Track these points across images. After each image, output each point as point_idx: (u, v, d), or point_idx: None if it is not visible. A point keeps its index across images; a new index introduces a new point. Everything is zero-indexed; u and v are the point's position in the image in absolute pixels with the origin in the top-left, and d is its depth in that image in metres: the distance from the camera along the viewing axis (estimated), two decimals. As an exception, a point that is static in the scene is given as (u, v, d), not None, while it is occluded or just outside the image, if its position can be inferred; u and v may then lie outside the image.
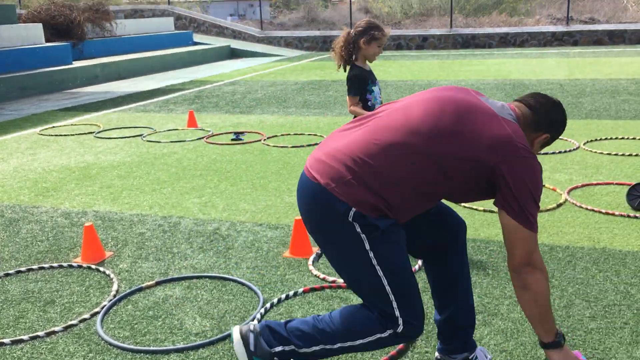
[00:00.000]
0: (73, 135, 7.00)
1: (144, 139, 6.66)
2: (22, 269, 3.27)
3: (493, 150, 1.78)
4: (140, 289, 3.00)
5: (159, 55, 14.67)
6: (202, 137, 6.64)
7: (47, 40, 12.80)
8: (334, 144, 1.93)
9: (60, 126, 7.62)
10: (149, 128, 7.27)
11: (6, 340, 2.54)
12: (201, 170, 5.29)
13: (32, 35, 12.26)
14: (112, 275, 3.15)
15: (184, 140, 6.50)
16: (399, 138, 1.82)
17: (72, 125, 7.70)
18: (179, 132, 7.02)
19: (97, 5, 15.47)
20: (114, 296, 2.93)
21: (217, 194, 4.59)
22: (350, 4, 23.03)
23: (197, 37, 19.16)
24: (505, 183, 1.78)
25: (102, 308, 2.80)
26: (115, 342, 2.51)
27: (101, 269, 3.24)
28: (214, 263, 3.31)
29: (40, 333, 2.59)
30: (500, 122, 1.83)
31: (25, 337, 2.56)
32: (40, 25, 12.62)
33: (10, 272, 3.24)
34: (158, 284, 3.06)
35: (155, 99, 9.79)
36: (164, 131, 7.07)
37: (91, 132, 7.10)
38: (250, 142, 6.33)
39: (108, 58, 13.70)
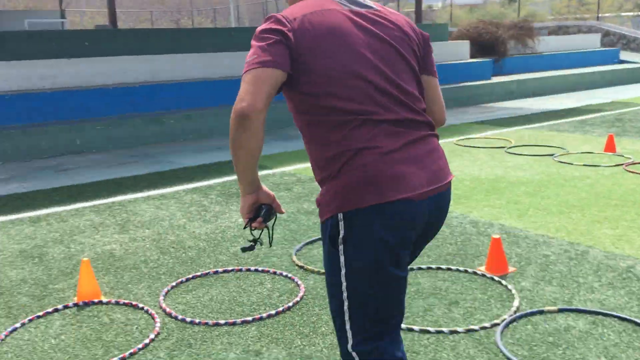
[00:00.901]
0: (485, 147, 7.30)
1: (555, 158, 6.49)
2: (433, 266, 3.57)
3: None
4: (541, 312, 2.95)
5: (577, 74, 14.09)
6: (621, 164, 6.11)
7: (471, 57, 13.62)
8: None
9: (474, 138, 8.03)
10: (561, 148, 7.06)
11: (415, 328, 2.81)
12: (617, 199, 4.89)
13: (460, 51, 13.22)
14: (513, 291, 3.17)
15: (599, 165, 6.10)
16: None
17: (485, 137, 8.03)
18: (594, 155, 6.63)
19: (522, 22, 15.75)
20: (515, 312, 2.96)
21: (634, 228, 4.17)
22: None
23: (624, 55, 17.74)
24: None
25: (502, 321, 2.85)
26: (514, 359, 2.52)
27: (503, 282, 3.30)
28: (625, 303, 3.02)
29: (444, 329, 2.79)
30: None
31: (431, 330, 2.80)
32: (467, 42, 13.52)
33: (422, 266, 3.57)
34: (560, 311, 2.96)
35: (570, 119, 9.45)
36: (578, 153, 6.76)
37: (502, 147, 7.28)
38: (680, 176, 5.56)
39: (525, 74, 13.81)
